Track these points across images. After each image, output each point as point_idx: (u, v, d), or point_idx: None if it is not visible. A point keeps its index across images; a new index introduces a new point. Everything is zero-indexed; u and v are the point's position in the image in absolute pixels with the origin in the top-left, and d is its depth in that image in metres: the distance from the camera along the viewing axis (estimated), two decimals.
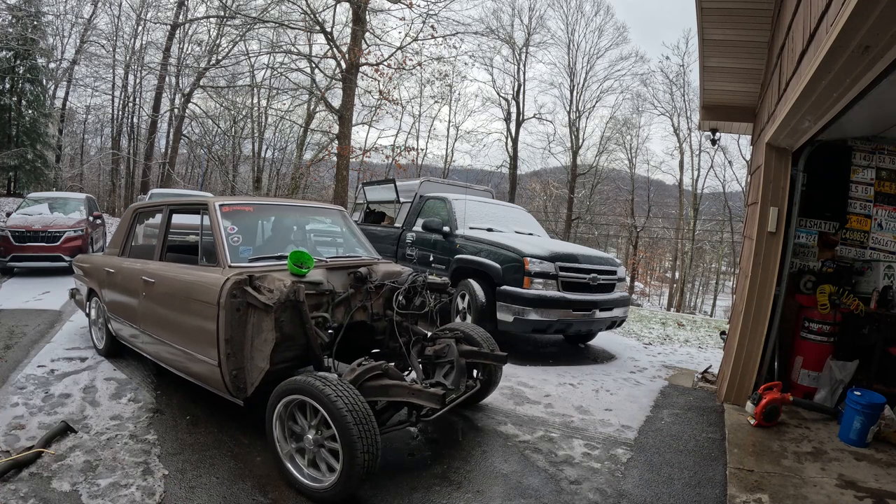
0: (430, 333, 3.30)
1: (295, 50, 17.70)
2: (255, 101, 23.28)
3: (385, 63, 15.91)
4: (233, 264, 2.79)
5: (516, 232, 5.98)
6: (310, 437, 2.34)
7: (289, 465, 2.41)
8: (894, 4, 1.54)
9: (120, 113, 23.02)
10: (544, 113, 38.71)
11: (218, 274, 2.76)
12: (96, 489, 2.27)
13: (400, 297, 3.14)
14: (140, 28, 21.32)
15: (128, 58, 21.28)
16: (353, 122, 17.35)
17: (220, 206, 3.07)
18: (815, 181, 3.93)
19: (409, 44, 16.23)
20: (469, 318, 4.98)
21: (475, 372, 3.41)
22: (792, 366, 3.91)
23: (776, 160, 3.59)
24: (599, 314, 4.99)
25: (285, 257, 2.83)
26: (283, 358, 2.63)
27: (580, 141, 27.83)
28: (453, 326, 3.38)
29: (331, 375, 2.35)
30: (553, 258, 4.82)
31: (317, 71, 17.58)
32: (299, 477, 2.36)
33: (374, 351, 3.25)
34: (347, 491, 2.20)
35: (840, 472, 2.69)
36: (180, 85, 20.82)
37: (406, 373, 3.09)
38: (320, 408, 2.22)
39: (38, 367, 3.81)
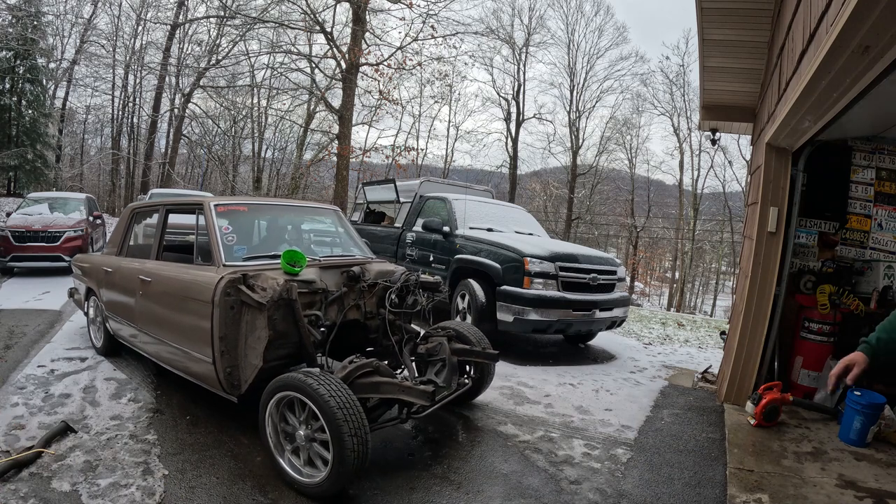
0: (422, 332, 3.32)
1: (295, 50, 17.72)
2: (255, 101, 23.30)
3: (385, 63, 15.92)
4: (227, 263, 2.81)
5: (516, 232, 5.98)
6: (301, 433, 2.36)
7: (282, 463, 2.42)
8: (894, 4, 1.54)
9: (120, 113, 23.05)
10: (544, 113, 38.68)
11: (212, 273, 2.77)
12: (96, 489, 2.27)
13: (392, 296, 3.16)
14: (140, 28, 21.35)
15: (128, 58, 21.29)
16: (353, 122, 17.36)
17: (216, 205, 3.09)
18: (815, 181, 3.93)
19: (409, 44, 16.26)
20: (469, 318, 4.98)
21: (469, 370, 3.43)
22: (792, 366, 3.91)
23: (776, 160, 3.59)
24: (599, 314, 4.99)
25: (279, 256, 2.84)
26: (276, 356, 2.65)
27: (580, 141, 27.85)
28: (446, 325, 3.40)
29: (314, 369, 2.39)
30: (553, 258, 4.82)
31: (317, 71, 17.60)
32: (293, 474, 2.37)
33: (368, 349, 3.27)
34: (340, 482, 2.20)
35: (840, 472, 2.69)
36: (180, 85, 20.83)
37: (399, 371, 3.10)
38: (306, 400, 2.25)
39: (38, 367, 3.82)
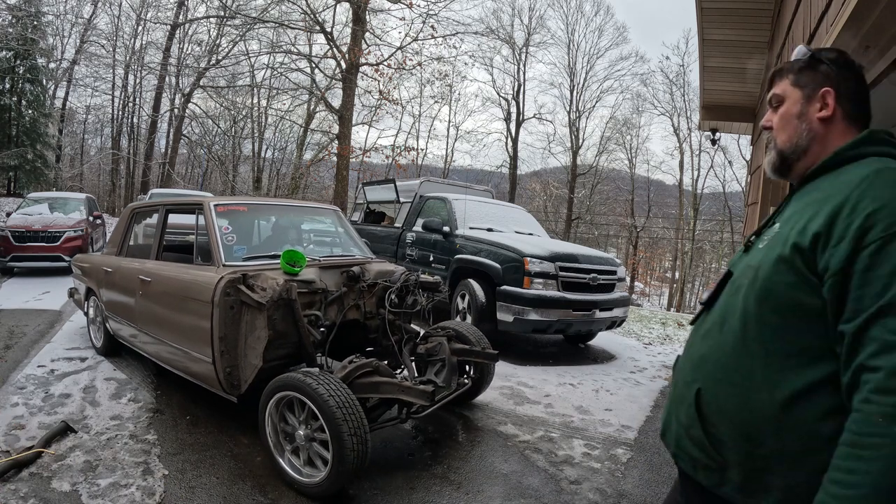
0: (422, 332, 3.32)
1: (295, 50, 17.71)
2: (255, 101, 23.30)
3: (385, 63, 15.89)
4: (227, 263, 2.81)
5: (516, 232, 5.98)
6: (301, 433, 2.36)
7: (282, 463, 2.43)
8: (894, 4, 1.54)
9: (120, 113, 23.05)
10: (544, 113, 38.78)
11: (212, 273, 2.77)
12: (96, 489, 2.27)
13: (392, 296, 3.16)
14: (140, 28, 21.36)
15: (128, 58, 21.29)
16: (353, 122, 17.35)
17: (215, 205, 3.09)
18: None
19: (409, 44, 16.22)
20: (469, 318, 4.98)
21: (469, 370, 3.43)
22: None
23: None
24: (599, 314, 4.99)
25: (279, 256, 2.84)
26: (276, 355, 2.65)
27: (580, 141, 27.85)
28: (446, 325, 3.40)
29: (313, 369, 2.39)
30: (553, 258, 4.82)
31: (317, 71, 17.59)
32: (293, 474, 2.38)
33: (368, 349, 3.27)
34: (340, 482, 2.20)
35: None
36: (180, 85, 20.83)
37: (399, 371, 3.10)
38: (306, 399, 2.25)
39: (38, 367, 3.82)
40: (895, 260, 0.76)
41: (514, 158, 27.14)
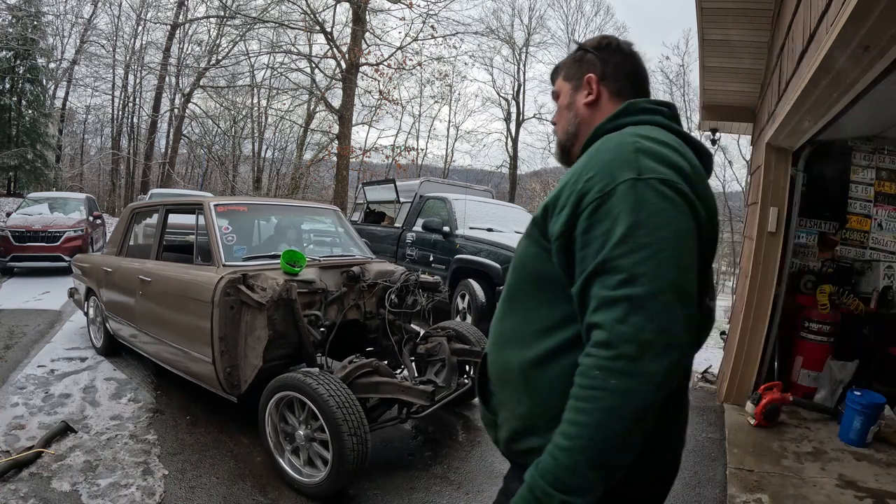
0: (422, 332, 3.32)
1: (295, 50, 17.72)
2: (255, 101, 23.29)
3: (385, 63, 15.92)
4: (227, 263, 2.81)
5: (516, 232, 5.98)
6: (301, 433, 2.37)
7: (282, 463, 2.43)
8: (894, 4, 1.54)
9: (120, 113, 23.00)
10: (544, 113, 38.66)
11: (212, 273, 2.77)
12: (96, 489, 2.27)
13: (392, 296, 3.16)
14: (140, 28, 21.31)
15: (128, 58, 21.27)
16: (353, 122, 17.35)
17: (215, 205, 3.10)
18: (815, 181, 3.92)
19: (409, 44, 16.27)
20: (469, 319, 4.98)
21: (469, 370, 3.43)
22: (792, 366, 3.91)
23: (776, 160, 3.59)
24: None
25: (279, 256, 2.84)
26: (276, 355, 2.65)
27: None
28: (446, 325, 3.40)
29: (313, 369, 2.40)
30: None
31: (317, 71, 17.60)
32: (293, 474, 2.38)
33: (368, 349, 3.27)
34: (340, 481, 2.21)
35: (840, 472, 2.69)
36: (180, 85, 20.82)
37: (399, 371, 3.10)
38: (306, 399, 2.26)
39: (38, 367, 3.82)
40: (609, 220, 0.78)
41: (514, 158, 27.12)
